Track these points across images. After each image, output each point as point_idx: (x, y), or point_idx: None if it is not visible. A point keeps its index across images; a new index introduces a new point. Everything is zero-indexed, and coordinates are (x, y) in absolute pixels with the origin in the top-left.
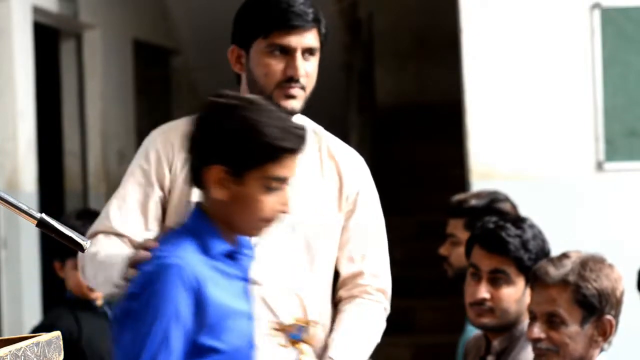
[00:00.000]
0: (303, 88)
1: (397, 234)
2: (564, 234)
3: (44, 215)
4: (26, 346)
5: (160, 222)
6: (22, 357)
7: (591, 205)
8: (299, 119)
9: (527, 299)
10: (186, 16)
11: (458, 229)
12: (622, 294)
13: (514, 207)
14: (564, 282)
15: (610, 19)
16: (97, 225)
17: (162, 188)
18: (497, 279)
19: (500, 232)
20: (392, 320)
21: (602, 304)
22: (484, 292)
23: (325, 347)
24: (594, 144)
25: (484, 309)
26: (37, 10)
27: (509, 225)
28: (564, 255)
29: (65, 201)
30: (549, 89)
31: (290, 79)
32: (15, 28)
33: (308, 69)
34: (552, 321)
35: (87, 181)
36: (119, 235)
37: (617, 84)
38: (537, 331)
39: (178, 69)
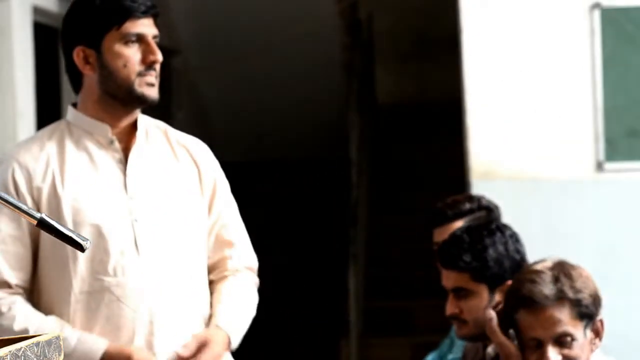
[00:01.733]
0: (157, 75)
1: (396, 234)
2: (564, 234)
3: (44, 215)
4: (26, 346)
5: (34, 250)
6: (22, 357)
7: (591, 205)
8: (142, 119)
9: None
10: (186, 16)
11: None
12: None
13: (495, 206)
14: (560, 299)
15: (610, 19)
16: None
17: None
18: (459, 294)
19: (452, 248)
20: (391, 321)
21: (596, 308)
22: (452, 308)
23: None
24: (594, 144)
25: (459, 322)
26: (37, 10)
27: (464, 236)
28: (538, 271)
29: None
30: (549, 89)
31: (149, 66)
32: (15, 28)
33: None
34: (563, 341)
35: None
36: (9, 285)
37: (617, 84)
38: (554, 356)
39: (178, 69)
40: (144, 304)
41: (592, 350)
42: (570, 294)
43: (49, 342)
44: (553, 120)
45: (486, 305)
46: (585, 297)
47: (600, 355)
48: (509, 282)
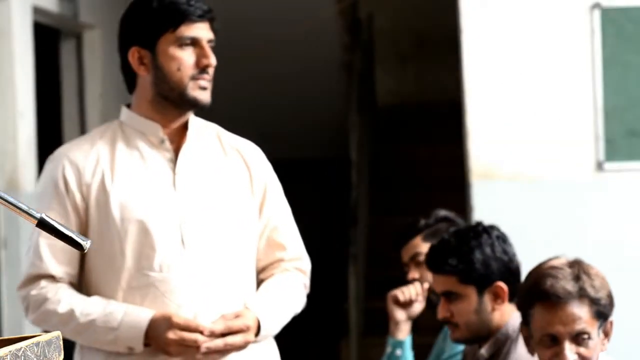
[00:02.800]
0: (210, 79)
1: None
2: (564, 234)
3: (44, 215)
4: (26, 346)
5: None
6: (22, 357)
7: (591, 205)
8: (194, 120)
9: (488, 305)
10: None
11: (417, 246)
12: None
13: (455, 215)
14: (581, 297)
15: (610, 19)
16: (33, 269)
17: (77, 213)
18: (449, 298)
19: (437, 253)
20: None
21: (611, 308)
22: (444, 312)
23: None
24: (594, 144)
25: (451, 326)
26: (37, 10)
27: (451, 239)
28: (557, 267)
29: None
30: (549, 89)
31: (203, 70)
32: (15, 28)
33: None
34: (580, 339)
35: None
36: (57, 278)
37: (617, 84)
38: (570, 354)
39: None
40: (188, 300)
41: (601, 351)
42: (591, 292)
43: (49, 342)
44: (553, 120)
45: (476, 308)
46: (603, 296)
47: (603, 355)
48: (498, 283)
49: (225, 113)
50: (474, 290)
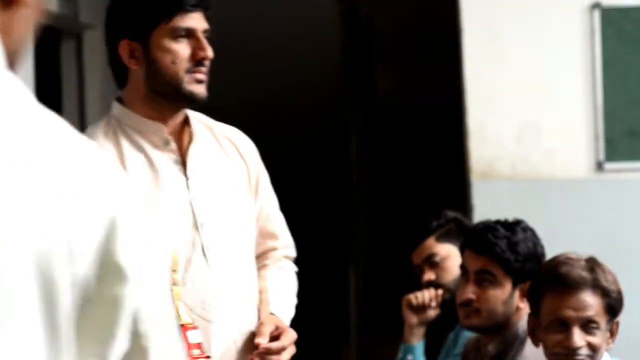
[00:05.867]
0: (207, 72)
1: (396, 234)
2: (564, 234)
3: None
4: None
5: None
6: None
7: (591, 205)
8: (194, 117)
9: (515, 301)
10: None
11: (432, 247)
12: None
13: (462, 216)
14: (594, 287)
15: (610, 19)
16: None
17: None
18: (483, 280)
19: (488, 234)
20: (392, 321)
21: (620, 307)
22: (470, 292)
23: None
24: (594, 144)
25: (471, 310)
26: None
27: (499, 227)
28: (572, 258)
29: None
30: (549, 88)
31: (199, 62)
32: None
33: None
34: (589, 327)
35: None
36: None
37: (617, 84)
38: (579, 339)
39: None
40: (203, 308)
41: (605, 350)
42: (604, 284)
43: None
44: (553, 120)
45: (505, 299)
46: (615, 291)
47: (607, 356)
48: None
49: (224, 113)
50: (510, 282)
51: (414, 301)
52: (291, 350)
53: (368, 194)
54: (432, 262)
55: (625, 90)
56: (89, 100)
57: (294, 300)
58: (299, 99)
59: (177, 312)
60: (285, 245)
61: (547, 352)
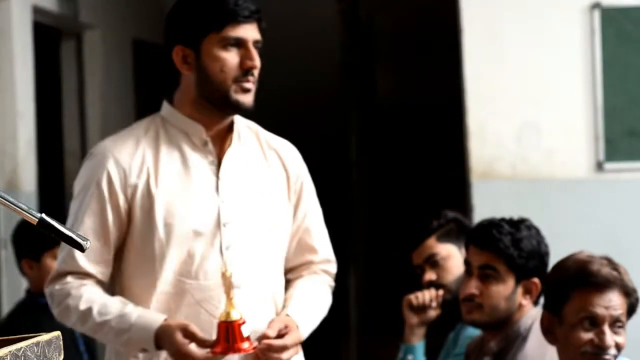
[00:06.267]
0: (255, 82)
1: (396, 233)
2: (564, 234)
3: (44, 215)
4: (26, 346)
5: (118, 246)
6: (22, 357)
7: (591, 205)
8: (239, 123)
9: (518, 298)
10: None
11: (433, 247)
12: None
13: (462, 216)
14: (622, 287)
15: (610, 19)
16: (63, 265)
17: (118, 215)
18: (486, 275)
19: (493, 229)
20: (392, 321)
21: (637, 308)
22: (473, 287)
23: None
24: (594, 144)
25: (473, 305)
26: (37, 10)
27: (503, 224)
28: (594, 257)
29: (65, 201)
30: (549, 88)
31: (247, 72)
32: (15, 28)
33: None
34: (616, 326)
35: None
36: (86, 275)
37: (617, 84)
38: (610, 338)
39: None
40: (221, 309)
41: None
42: (628, 284)
43: (49, 342)
44: (553, 120)
45: (508, 295)
46: (635, 292)
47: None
48: (534, 279)
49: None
50: (513, 278)
51: (414, 301)
52: (293, 351)
53: (368, 194)
54: (432, 262)
55: (625, 90)
56: (89, 100)
57: (319, 311)
58: (299, 99)
59: (229, 309)
60: (325, 260)
61: (573, 351)
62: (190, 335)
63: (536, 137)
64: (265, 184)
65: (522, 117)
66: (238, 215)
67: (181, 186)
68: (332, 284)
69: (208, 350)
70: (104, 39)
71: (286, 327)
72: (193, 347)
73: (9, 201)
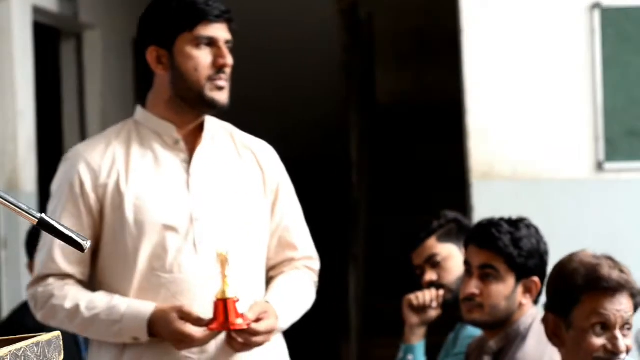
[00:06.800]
0: (228, 80)
1: (396, 234)
2: (564, 234)
3: (44, 215)
4: (26, 346)
5: (94, 246)
6: (22, 357)
7: (591, 205)
8: (210, 122)
9: (518, 297)
10: None
11: (433, 247)
12: None
13: (462, 217)
14: (630, 289)
15: (610, 19)
16: (43, 267)
17: (91, 215)
18: (486, 275)
19: (492, 229)
20: (392, 321)
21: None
22: (473, 287)
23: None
24: (594, 144)
25: (473, 304)
26: (37, 10)
27: (503, 223)
28: (600, 258)
29: None
30: (549, 88)
31: (220, 70)
32: (15, 28)
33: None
34: (626, 329)
35: None
36: (67, 275)
37: (617, 84)
38: (623, 344)
39: None
40: (198, 301)
41: None
42: (635, 286)
43: (49, 342)
44: (553, 120)
45: (508, 295)
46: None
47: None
48: (534, 278)
49: (224, 113)
50: (513, 277)
51: (414, 301)
52: (264, 338)
53: (368, 194)
54: (433, 262)
55: (625, 90)
56: (89, 100)
57: (299, 303)
58: (299, 99)
59: (224, 287)
60: (306, 257)
61: (584, 356)
62: (186, 316)
63: (536, 137)
64: (238, 181)
65: (522, 117)
66: (209, 210)
67: (152, 183)
68: (315, 279)
69: (205, 328)
70: (104, 39)
71: (265, 312)
72: (190, 326)
73: (9, 201)
